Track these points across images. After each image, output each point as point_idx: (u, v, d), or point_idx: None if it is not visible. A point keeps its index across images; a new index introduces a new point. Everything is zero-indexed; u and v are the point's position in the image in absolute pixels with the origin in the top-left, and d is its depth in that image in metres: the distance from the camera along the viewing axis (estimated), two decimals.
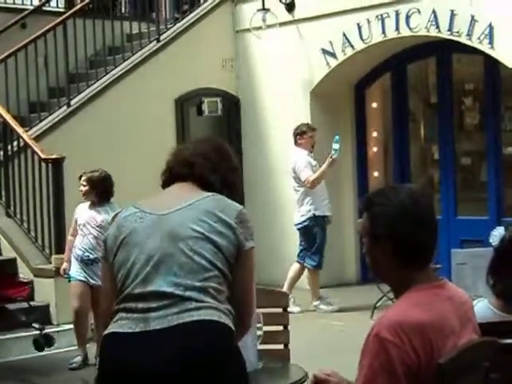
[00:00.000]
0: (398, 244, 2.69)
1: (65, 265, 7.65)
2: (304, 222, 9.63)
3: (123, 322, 2.99)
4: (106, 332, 3.05)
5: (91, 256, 7.33)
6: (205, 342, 2.93)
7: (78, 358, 7.38)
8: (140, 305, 2.98)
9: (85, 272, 7.39)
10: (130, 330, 2.96)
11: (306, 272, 9.75)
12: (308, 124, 10.03)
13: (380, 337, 2.57)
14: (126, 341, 2.96)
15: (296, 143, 9.81)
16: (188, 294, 2.96)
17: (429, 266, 2.76)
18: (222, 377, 2.94)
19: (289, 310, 9.43)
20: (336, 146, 9.42)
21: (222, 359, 2.95)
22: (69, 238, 7.74)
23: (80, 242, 7.45)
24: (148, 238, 3.05)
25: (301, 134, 9.76)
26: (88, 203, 7.54)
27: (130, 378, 2.94)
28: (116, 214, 3.22)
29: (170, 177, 3.27)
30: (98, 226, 7.35)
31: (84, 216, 7.47)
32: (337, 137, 9.53)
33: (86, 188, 7.45)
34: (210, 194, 3.15)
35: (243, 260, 3.08)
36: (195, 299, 2.96)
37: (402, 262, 2.70)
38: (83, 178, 7.54)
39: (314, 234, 9.58)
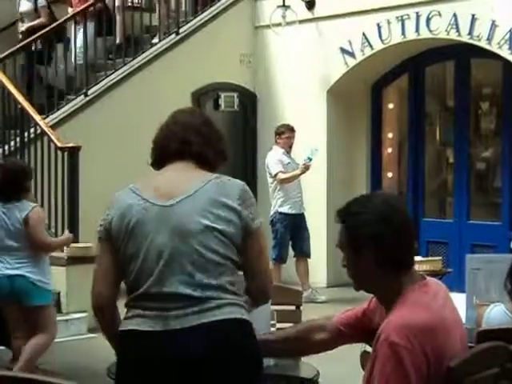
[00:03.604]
0: (380, 251, 2.70)
1: None
2: (270, 217, 10.01)
3: (141, 320, 2.97)
4: (122, 328, 3.02)
5: None
6: (228, 341, 2.93)
7: None
8: (157, 304, 2.95)
9: None
10: (150, 329, 2.94)
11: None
12: (288, 125, 10.26)
13: (389, 341, 2.57)
14: (146, 340, 2.95)
15: (276, 142, 10.19)
16: (207, 294, 2.95)
17: (413, 267, 2.77)
18: (244, 372, 2.97)
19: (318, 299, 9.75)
20: (311, 155, 9.87)
21: (245, 356, 2.97)
22: None
23: None
24: (156, 233, 2.98)
25: (279, 134, 10.17)
26: None
27: (155, 368, 2.93)
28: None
29: (165, 155, 3.19)
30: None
31: None
32: (315, 149, 9.96)
33: None
34: (210, 177, 3.09)
35: (252, 240, 3.05)
36: (214, 297, 2.95)
37: (387, 268, 2.71)
38: None
39: (275, 229, 9.99)
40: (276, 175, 9.96)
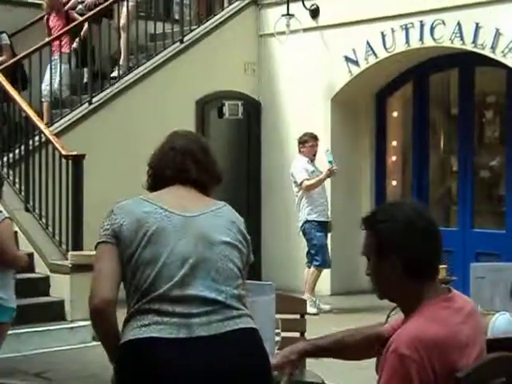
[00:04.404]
0: (407, 259, 2.68)
1: None
2: (301, 226, 10.02)
3: (160, 327, 2.88)
4: (138, 336, 2.89)
5: None
6: (252, 349, 2.96)
7: None
8: (178, 309, 2.90)
9: None
10: (172, 336, 2.86)
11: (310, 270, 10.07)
12: (311, 134, 10.24)
13: (398, 352, 2.55)
14: (167, 346, 2.86)
15: (299, 151, 10.17)
16: (229, 301, 2.97)
17: (436, 278, 2.76)
18: (266, 380, 2.99)
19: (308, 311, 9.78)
20: (330, 157, 9.86)
21: (265, 364, 2.99)
22: None
23: None
24: (180, 240, 2.99)
25: (303, 143, 10.15)
26: None
27: (173, 381, 2.86)
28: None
29: (162, 180, 3.21)
30: None
31: None
32: (328, 151, 9.97)
33: None
34: (221, 202, 3.20)
35: (247, 269, 3.18)
36: (235, 307, 2.98)
37: (412, 277, 2.69)
38: None
39: (311, 237, 9.96)
40: (302, 183, 9.91)
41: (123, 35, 11.21)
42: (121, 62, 11.23)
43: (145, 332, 2.89)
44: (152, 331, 2.89)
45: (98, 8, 11.18)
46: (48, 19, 11.50)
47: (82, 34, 10.98)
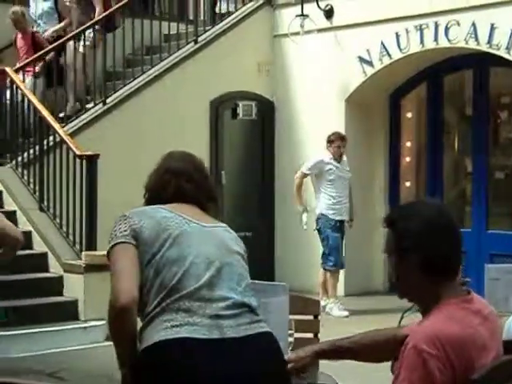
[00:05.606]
0: (426, 257, 2.68)
1: None
2: (316, 223, 9.95)
3: (193, 328, 2.89)
4: (173, 336, 2.87)
5: None
6: (273, 353, 3.02)
7: None
8: (208, 310, 2.93)
9: None
10: (204, 337, 2.88)
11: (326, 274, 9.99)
12: (339, 133, 10.15)
13: (418, 349, 2.54)
14: (201, 348, 2.86)
15: (327, 148, 10.06)
16: (253, 305, 3.05)
17: (456, 279, 2.75)
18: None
19: (335, 314, 9.64)
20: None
21: (285, 368, 3.04)
22: None
23: None
24: (202, 244, 3.07)
25: (330, 142, 10.04)
26: None
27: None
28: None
29: (159, 201, 3.24)
30: None
31: None
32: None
33: None
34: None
35: None
36: (256, 312, 3.05)
37: (431, 276, 2.69)
38: None
39: (326, 235, 9.86)
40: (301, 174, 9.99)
41: (70, 74, 10.87)
42: (70, 103, 10.89)
43: (177, 333, 2.88)
44: (186, 331, 2.88)
45: (52, 45, 10.81)
46: (16, 39, 11.38)
47: (46, 58, 10.72)
